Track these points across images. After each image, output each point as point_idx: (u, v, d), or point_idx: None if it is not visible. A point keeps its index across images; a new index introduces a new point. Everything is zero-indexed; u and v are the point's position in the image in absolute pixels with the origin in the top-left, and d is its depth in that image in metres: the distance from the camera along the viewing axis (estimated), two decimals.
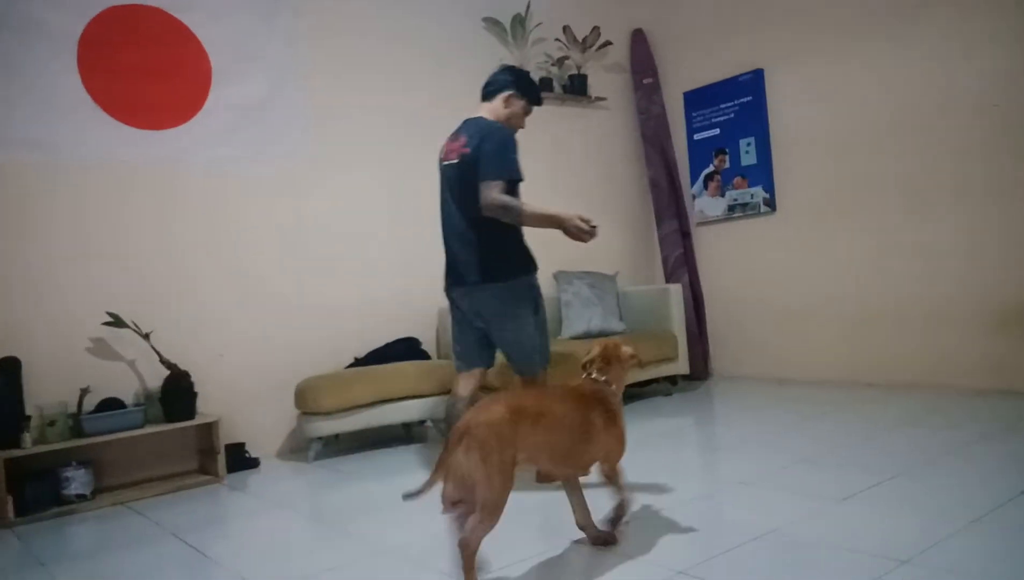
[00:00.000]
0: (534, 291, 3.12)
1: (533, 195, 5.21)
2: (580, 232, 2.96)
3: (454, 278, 3.22)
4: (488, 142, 3.01)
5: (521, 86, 3.24)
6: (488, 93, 3.29)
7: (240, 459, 3.96)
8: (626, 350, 2.58)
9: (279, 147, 4.38)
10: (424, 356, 4.46)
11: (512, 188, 3.01)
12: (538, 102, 3.31)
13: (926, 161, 4.52)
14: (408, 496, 2.07)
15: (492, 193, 2.92)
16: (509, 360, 3.18)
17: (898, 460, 3.19)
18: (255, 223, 4.28)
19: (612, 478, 2.43)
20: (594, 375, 2.48)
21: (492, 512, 2.03)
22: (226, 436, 3.88)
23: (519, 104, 3.23)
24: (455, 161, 3.14)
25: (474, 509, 2.03)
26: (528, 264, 3.13)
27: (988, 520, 2.34)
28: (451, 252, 3.24)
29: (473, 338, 3.19)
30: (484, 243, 3.06)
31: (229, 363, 4.11)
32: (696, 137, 5.83)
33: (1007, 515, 2.38)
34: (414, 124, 4.89)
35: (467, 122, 3.24)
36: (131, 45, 3.95)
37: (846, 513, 2.57)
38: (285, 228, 4.38)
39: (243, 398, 4.13)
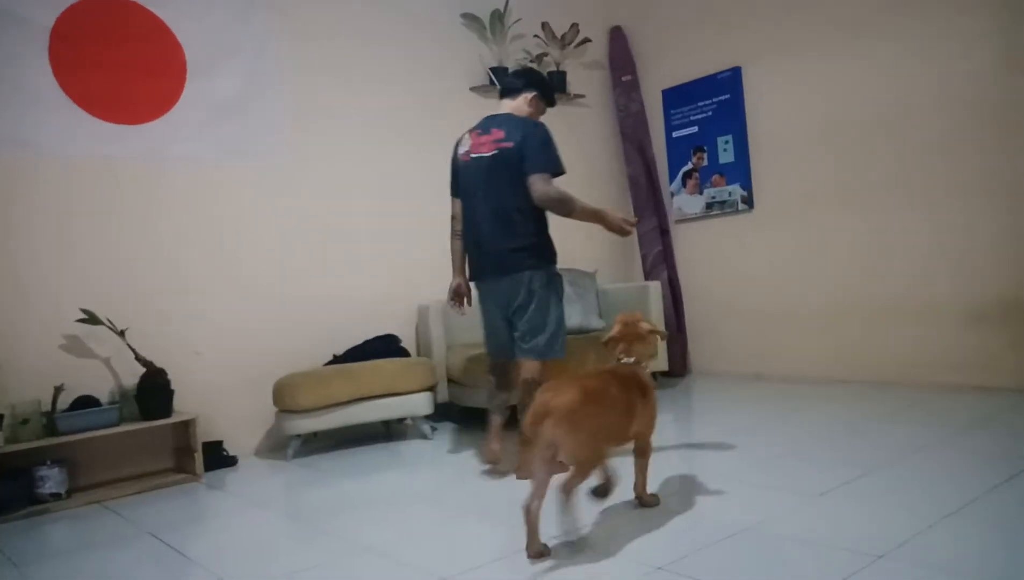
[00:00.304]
0: (562, 281, 3.34)
1: None
2: (622, 227, 3.19)
3: (487, 267, 3.30)
4: (533, 138, 3.17)
5: (545, 91, 3.44)
6: (511, 91, 3.43)
7: (218, 457, 3.93)
8: (644, 326, 2.73)
9: (257, 143, 4.34)
10: (403, 353, 4.45)
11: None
12: (553, 104, 3.51)
13: (902, 159, 4.58)
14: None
15: (547, 185, 3.11)
16: (526, 343, 3.21)
17: (874, 455, 3.23)
18: (233, 219, 4.25)
19: (646, 452, 2.68)
20: (623, 359, 2.65)
21: (586, 469, 2.36)
22: (203, 434, 3.85)
23: (541, 105, 3.41)
24: (492, 153, 3.23)
25: (549, 476, 2.33)
26: (556, 255, 3.34)
27: (961, 515, 2.38)
28: (482, 242, 3.31)
29: (506, 327, 3.32)
30: (526, 232, 3.21)
31: (206, 360, 4.07)
32: (674, 135, 5.86)
33: (980, 510, 2.41)
34: (394, 120, 4.87)
35: (496, 117, 3.35)
36: (104, 39, 3.89)
37: (823, 508, 2.60)
38: (263, 225, 4.35)
39: (221, 396, 4.10)
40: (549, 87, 3.48)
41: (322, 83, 4.58)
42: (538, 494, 2.31)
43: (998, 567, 2.00)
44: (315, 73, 4.56)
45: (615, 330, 2.72)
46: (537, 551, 2.29)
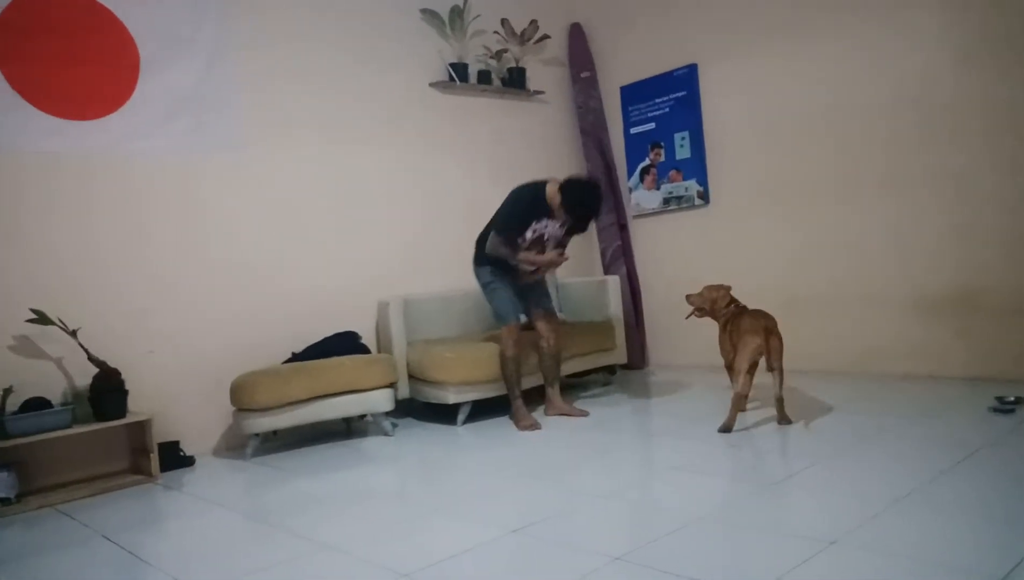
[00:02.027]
0: (483, 273, 4.26)
1: (473, 188, 5.27)
2: (553, 261, 4.14)
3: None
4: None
5: (569, 198, 3.99)
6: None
7: (174, 458, 3.87)
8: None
9: (214, 137, 4.27)
10: (364, 350, 4.42)
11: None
12: (573, 209, 4.02)
13: (855, 153, 4.68)
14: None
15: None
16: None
17: (827, 444, 3.31)
18: (189, 216, 4.18)
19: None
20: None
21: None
22: (159, 434, 3.79)
23: (563, 204, 3.98)
24: None
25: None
26: (482, 259, 4.22)
27: (911, 499, 2.45)
28: None
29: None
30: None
31: (161, 359, 4.01)
32: (632, 131, 5.91)
33: (929, 495, 2.49)
34: (354, 115, 4.84)
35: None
36: (53, 32, 3.80)
37: (777, 496, 2.65)
38: (220, 221, 4.29)
39: (177, 395, 4.03)
40: (574, 197, 3.97)
41: (280, 77, 4.53)
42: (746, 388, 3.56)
43: (947, 550, 2.06)
44: (273, 66, 4.50)
45: (724, 294, 3.94)
46: (728, 427, 3.52)
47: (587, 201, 3.98)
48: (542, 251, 4.11)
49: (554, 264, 4.17)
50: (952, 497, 2.46)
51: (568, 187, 3.95)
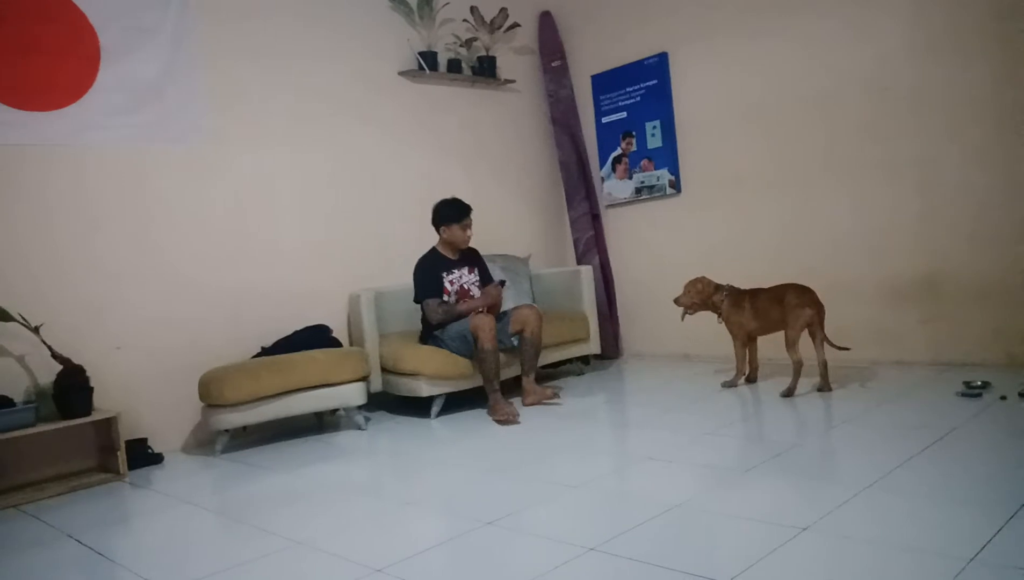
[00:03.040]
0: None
1: (446, 177, 5.24)
2: (491, 295, 4.37)
3: None
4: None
5: (438, 219, 4.39)
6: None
7: (142, 455, 3.81)
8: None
9: (178, 127, 4.19)
10: (335, 344, 4.38)
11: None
12: (448, 220, 4.37)
13: (822, 141, 4.71)
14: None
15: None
16: None
17: (797, 430, 3.34)
18: (153, 207, 4.10)
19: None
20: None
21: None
22: (127, 431, 3.72)
23: (446, 231, 4.37)
24: None
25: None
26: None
27: (881, 485, 2.47)
28: None
29: None
30: None
31: (128, 355, 3.94)
32: (604, 120, 5.90)
33: (899, 479, 2.51)
34: (321, 104, 4.77)
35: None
36: (2, 20, 3.69)
37: (749, 484, 2.66)
38: (186, 212, 4.21)
39: (144, 391, 3.97)
40: (446, 209, 4.36)
41: (244, 66, 4.45)
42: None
43: (917, 533, 2.08)
44: (237, 55, 4.42)
45: (707, 282, 4.27)
46: (791, 392, 3.89)
47: (442, 203, 4.38)
48: (477, 292, 4.43)
49: (494, 297, 4.34)
50: (922, 481, 2.49)
51: (433, 212, 4.39)
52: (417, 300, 4.32)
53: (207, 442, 4.10)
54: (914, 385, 3.92)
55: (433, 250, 4.42)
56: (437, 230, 4.40)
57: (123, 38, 4.02)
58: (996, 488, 2.35)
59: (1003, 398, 3.42)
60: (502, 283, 4.48)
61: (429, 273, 4.33)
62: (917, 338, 4.41)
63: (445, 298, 4.32)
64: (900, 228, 4.44)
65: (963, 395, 3.55)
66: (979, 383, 3.64)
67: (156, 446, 3.91)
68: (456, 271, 4.39)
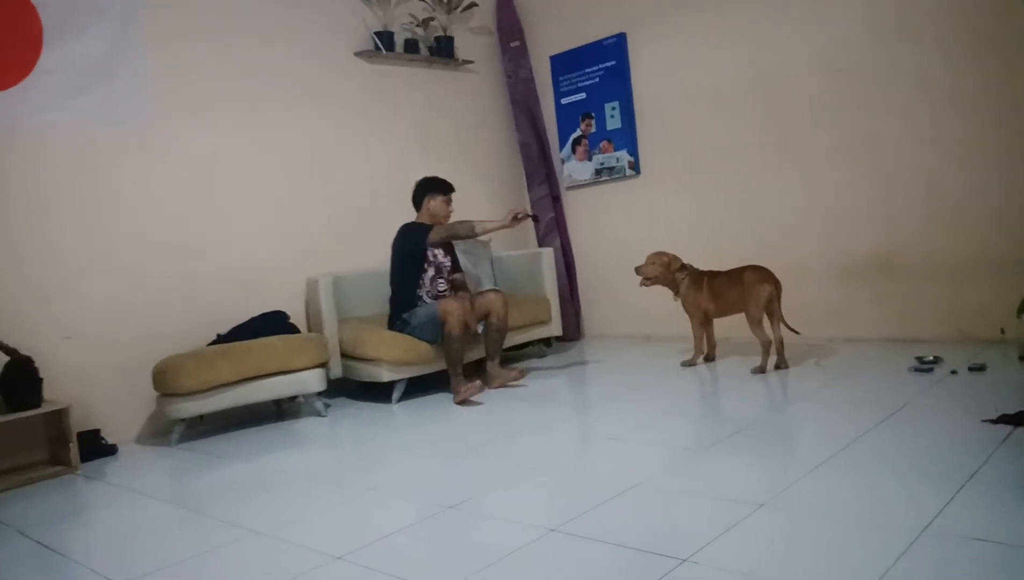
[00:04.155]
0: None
1: (404, 159, 5.18)
2: (515, 217, 4.19)
3: None
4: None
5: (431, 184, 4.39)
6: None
7: (96, 446, 3.72)
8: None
9: (126, 108, 4.07)
10: (293, 330, 4.31)
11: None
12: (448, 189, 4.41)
13: (779, 122, 4.75)
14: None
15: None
16: None
17: (754, 408, 3.38)
18: (103, 191, 3.98)
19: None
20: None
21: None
22: (79, 423, 3.63)
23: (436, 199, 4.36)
24: None
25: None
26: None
27: (837, 460, 2.51)
28: None
29: None
30: None
31: (79, 344, 3.83)
32: (563, 101, 5.88)
33: (854, 454, 2.56)
34: (274, 85, 4.68)
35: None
36: None
37: (707, 462, 2.69)
38: (136, 196, 4.10)
39: (96, 381, 3.87)
40: (425, 185, 4.38)
41: (194, 45, 4.33)
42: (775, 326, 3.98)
43: (872, 507, 2.12)
44: (186, 34, 4.30)
45: (673, 257, 4.30)
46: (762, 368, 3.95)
47: (429, 177, 4.40)
48: (446, 278, 4.39)
49: (515, 224, 4.20)
50: (876, 455, 2.54)
51: (418, 185, 4.40)
52: (421, 243, 4.22)
53: (162, 432, 4.01)
54: (867, 361, 3.99)
55: (418, 221, 4.38)
56: (419, 204, 4.36)
57: (67, 17, 3.89)
58: (947, 460, 2.41)
59: (954, 372, 3.50)
60: (535, 218, 4.43)
61: (419, 228, 4.28)
62: (870, 315, 4.49)
63: (425, 266, 4.28)
64: (854, 208, 4.51)
65: (915, 370, 3.63)
66: (931, 358, 3.72)
67: (109, 437, 3.83)
68: (433, 252, 4.33)
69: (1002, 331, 3.99)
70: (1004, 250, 3.99)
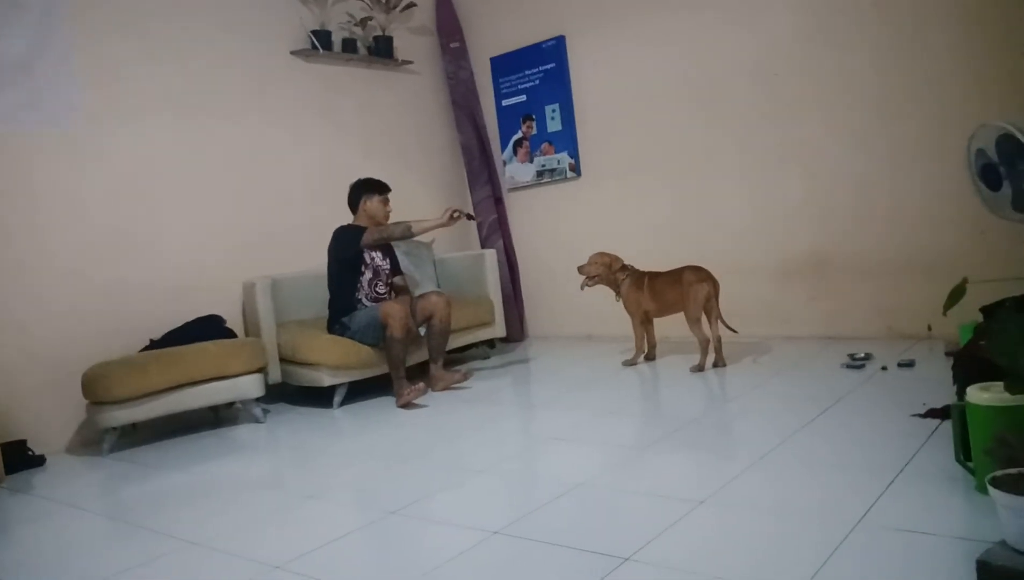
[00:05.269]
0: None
1: (343, 160, 5.11)
2: (452, 217, 4.21)
3: None
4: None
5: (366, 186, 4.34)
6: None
7: (22, 458, 3.57)
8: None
9: (50, 107, 3.91)
10: (229, 334, 4.21)
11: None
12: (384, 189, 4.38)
13: (715, 124, 4.83)
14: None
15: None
16: None
17: (694, 406, 3.43)
18: (26, 192, 3.83)
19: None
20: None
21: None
22: (3, 433, 3.50)
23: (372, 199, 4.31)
24: None
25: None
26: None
27: (774, 455, 2.56)
28: None
29: None
30: None
31: (2, 351, 3.68)
32: (504, 103, 5.88)
33: (791, 449, 2.61)
34: (207, 84, 4.56)
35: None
36: None
37: (649, 460, 2.72)
38: (63, 198, 3.95)
39: (21, 390, 3.72)
40: (360, 187, 4.35)
41: (124, 43, 4.19)
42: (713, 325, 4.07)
43: (810, 500, 2.17)
44: (116, 31, 4.16)
45: (615, 258, 4.37)
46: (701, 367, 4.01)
47: (364, 178, 4.36)
48: (385, 281, 4.37)
49: (450, 223, 4.19)
50: (811, 450, 2.60)
51: (353, 187, 4.36)
52: (355, 247, 4.16)
53: (93, 442, 3.87)
54: (803, 358, 4.09)
55: (354, 223, 4.32)
56: (355, 206, 4.31)
57: None
58: (879, 453, 2.48)
59: (884, 368, 3.62)
60: (471, 216, 4.42)
61: (355, 231, 4.21)
62: (805, 314, 4.61)
63: (362, 269, 4.24)
64: (789, 209, 4.62)
65: (848, 367, 3.73)
66: (862, 355, 3.83)
67: (37, 447, 3.67)
68: (371, 254, 4.29)
69: (929, 328, 4.14)
70: (931, 249, 4.13)
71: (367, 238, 4.16)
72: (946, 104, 4.02)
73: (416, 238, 4.74)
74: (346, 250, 4.19)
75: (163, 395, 3.69)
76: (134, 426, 3.86)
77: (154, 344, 4.01)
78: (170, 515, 2.71)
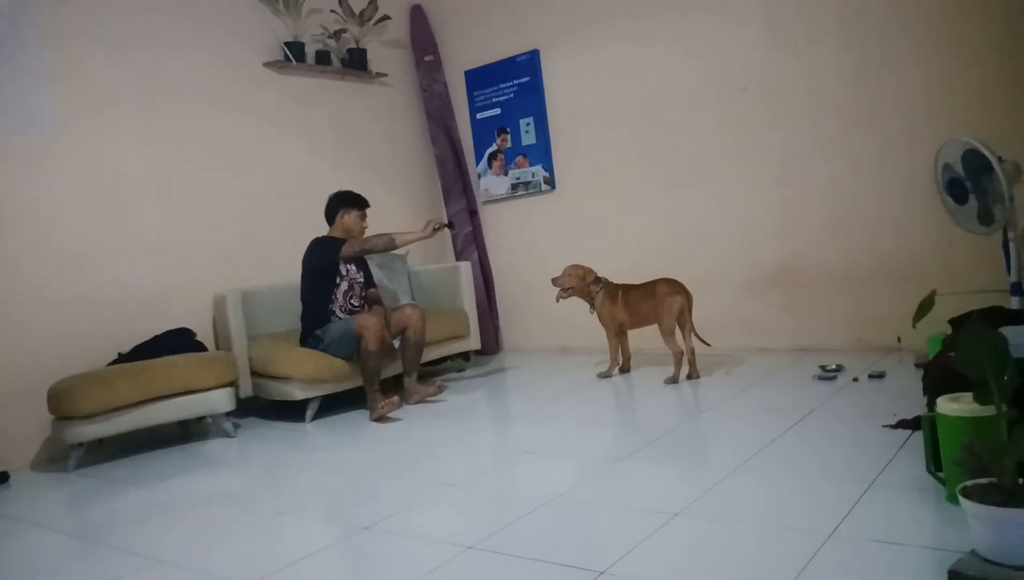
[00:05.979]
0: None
1: (317, 172, 5.08)
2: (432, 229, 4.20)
3: None
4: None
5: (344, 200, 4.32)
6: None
7: None
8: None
9: (16, 114, 3.85)
10: (199, 348, 4.15)
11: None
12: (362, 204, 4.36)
13: (689, 138, 4.88)
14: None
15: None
16: None
17: (667, 418, 3.44)
18: None
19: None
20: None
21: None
22: None
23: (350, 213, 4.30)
24: None
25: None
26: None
27: (748, 466, 2.57)
28: None
29: None
30: None
31: None
32: (479, 116, 5.89)
33: (762, 461, 2.62)
34: (179, 94, 4.51)
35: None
36: None
37: (624, 472, 2.71)
38: (27, 207, 3.88)
39: None
40: (337, 200, 4.32)
41: (92, 49, 4.13)
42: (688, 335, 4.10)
43: (784, 510, 2.17)
44: (84, 38, 4.10)
45: (588, 270, 4.39)
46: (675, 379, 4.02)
47: (342, 191, 4.34)
48: (359, 294, 4.32)
49: (432, 235, 4.20)
50: (784, 461, 2.61)
51: (330, 199, 4.33)
52: (334, 256, 4.15)
53: (59, 458, 3.79)
54: (775, 370, 4.12)
55: (330, 235, 4.30)
56: (332, 218, 4.29)
57: None
58: (851, 464, 2.49)
59: (855, 380, 3.65)
60: (451, 226, 4.40)
61: (331, 243, 4.20)
62: (778, 326, 4.65)
63: (338, 281, 4.21)
64: (760, 221, 4.67)
65: (819, 378, 3.77)
66: (834, 367, 3.87)
67: (0, 464, 3.59)
68: (346, 268, 4.26)
69: (899, 340, 4.20)
70: (901, 261, 4.19)
71: (348, 249, 4.14)
72: (913, 117, 4.09)
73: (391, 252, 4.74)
74: (323, 259, 4.16)
75: (131, 410, 3.62)
76: (101, 441, 3.79)
77: (123, 358, 3.94)
78: (137, 533, 2.66)
